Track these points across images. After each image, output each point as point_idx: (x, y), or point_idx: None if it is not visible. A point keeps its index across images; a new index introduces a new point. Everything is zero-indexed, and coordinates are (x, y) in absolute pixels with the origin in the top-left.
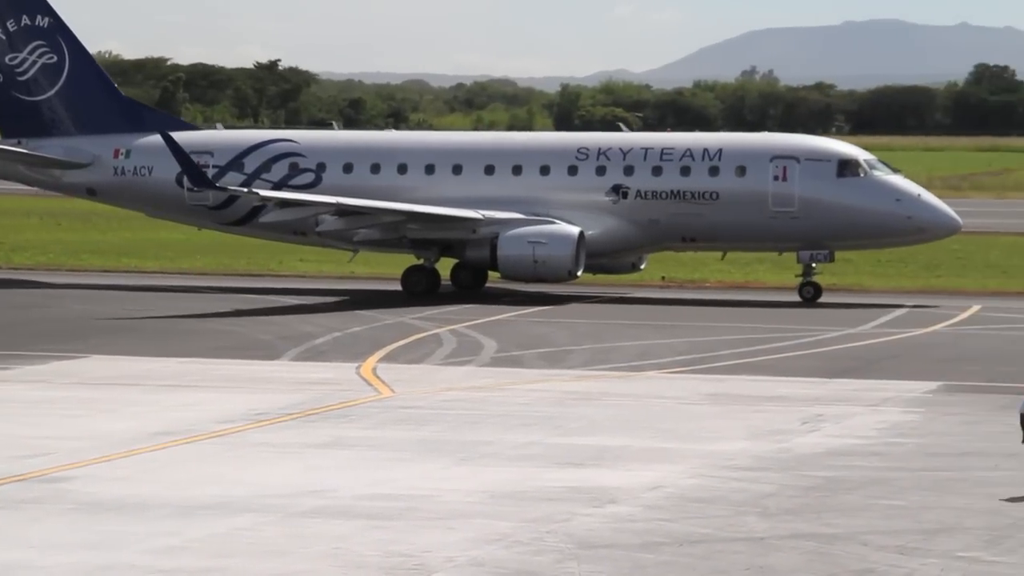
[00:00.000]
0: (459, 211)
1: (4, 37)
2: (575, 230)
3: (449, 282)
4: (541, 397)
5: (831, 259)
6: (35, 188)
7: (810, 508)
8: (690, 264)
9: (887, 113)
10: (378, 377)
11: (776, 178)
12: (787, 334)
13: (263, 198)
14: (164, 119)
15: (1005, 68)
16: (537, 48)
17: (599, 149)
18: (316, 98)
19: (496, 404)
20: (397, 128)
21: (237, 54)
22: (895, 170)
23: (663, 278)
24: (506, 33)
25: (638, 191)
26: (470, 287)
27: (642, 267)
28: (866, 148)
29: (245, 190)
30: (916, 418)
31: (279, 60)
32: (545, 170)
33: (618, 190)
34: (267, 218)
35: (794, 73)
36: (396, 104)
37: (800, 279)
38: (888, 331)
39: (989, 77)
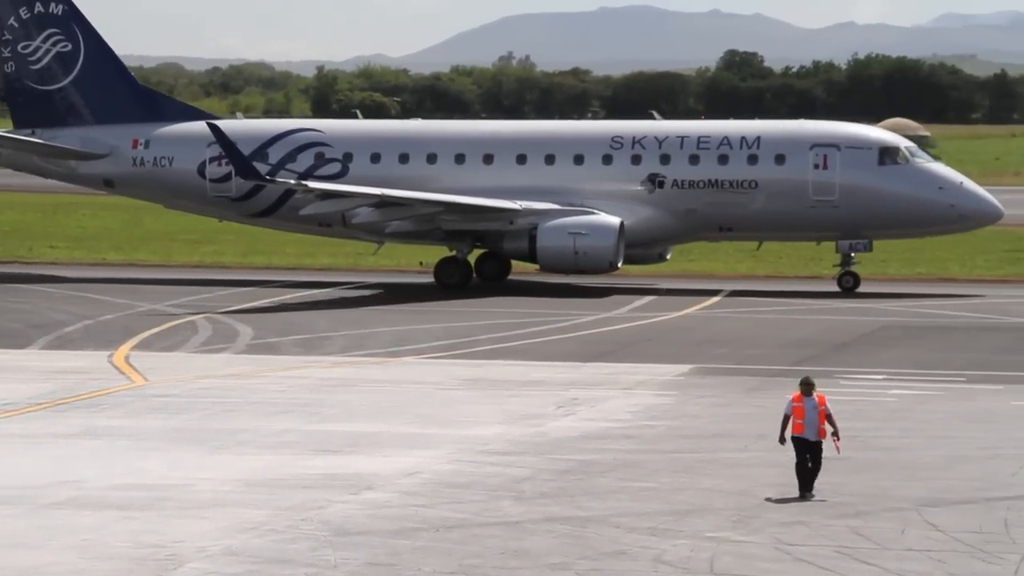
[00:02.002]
0: (498, 201)
1: (17, 25)
2: (616, 220)
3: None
4: (297, 384)
5: (870, 248)
6: (50, 179)
7: (564, 492)
8: None
9: (641, 98)
10: (131, 365)
11: (817, 166)
12: (543, 319)
13: (313, 190)
14: (183, 108)
15: (754, 55)
16: (295, 32)
17: (634, 138)
18: None
19: (251, 392)
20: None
21: None
22: (935, 157)
23: (421, 263)
24: (263, 16)
25: (675, 180)
26: (495, 279)
27: (668, 257)
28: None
29: (294, 182)
30: (668, 401)
31: None
32: (579, 159)
33: (654, 179)
34: (307, 210)
35: (550, 58)
36: (151, 87)
37: (839, 269)
38: (642, 315)
39: (739, 63)
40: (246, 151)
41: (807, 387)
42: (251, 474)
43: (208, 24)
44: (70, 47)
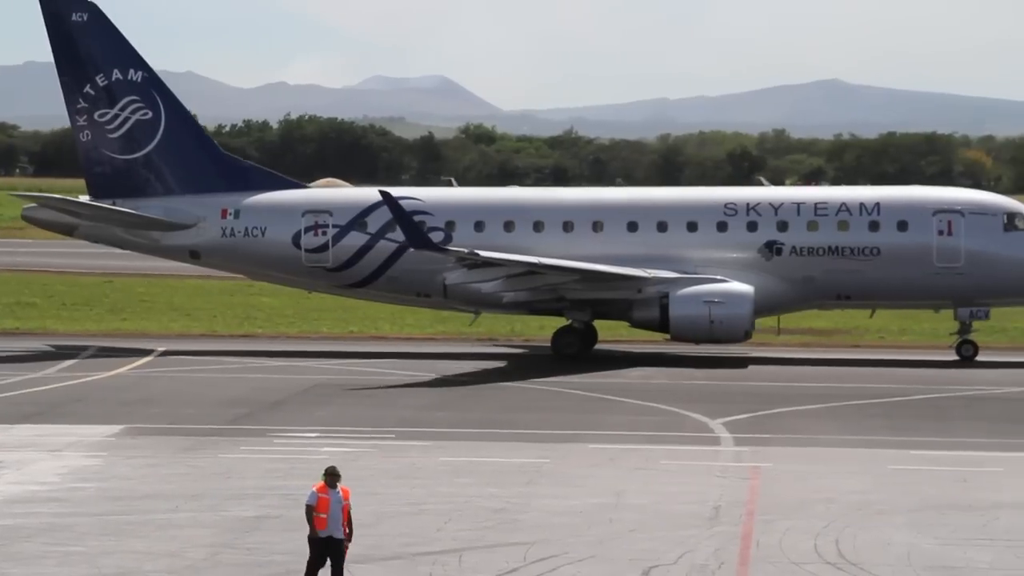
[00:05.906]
0: (629, 269)
1: (93, 92)
2: (750, 288)
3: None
4: None
5: (988, 316)
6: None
7: None
8: None
9: (71, 156)
10: None
11: (941, 233)
12: None
13: (484, 260)
14: (270, 177)
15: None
16: None
17: (747, 204)
18: None
19: None
20: None
21: None
22: None
23: None
24: None
25: (793, 247)
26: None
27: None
28: (51, 190)
29: (466, 251)
30: (98, 462)
31: None
32: (692, 226)
33: (772, 246)
34: (452, 278)
35: None
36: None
37: (956, 337)
38: (72, 375)
39: None
40: (343, 220)
41: (332, 478)
42: None
43: None
44: (151, 115)
